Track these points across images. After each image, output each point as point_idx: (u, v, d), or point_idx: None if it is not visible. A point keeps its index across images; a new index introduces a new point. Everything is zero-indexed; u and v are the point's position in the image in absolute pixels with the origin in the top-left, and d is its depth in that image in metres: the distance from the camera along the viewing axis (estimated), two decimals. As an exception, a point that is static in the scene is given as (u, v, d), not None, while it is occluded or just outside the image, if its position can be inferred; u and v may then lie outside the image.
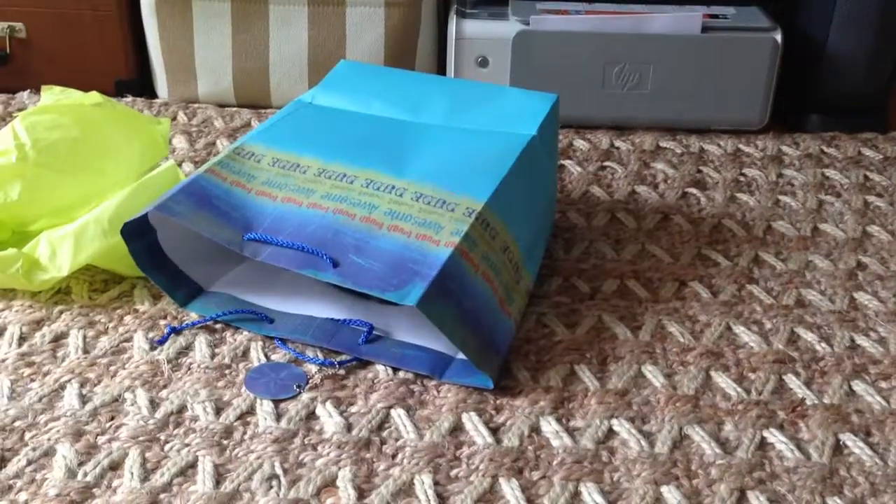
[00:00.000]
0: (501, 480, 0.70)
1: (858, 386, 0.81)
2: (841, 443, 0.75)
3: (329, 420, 0.75)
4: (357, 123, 0.95)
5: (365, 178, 0.86)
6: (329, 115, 0.97)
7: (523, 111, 0.94)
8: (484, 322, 0.80)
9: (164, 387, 0.78)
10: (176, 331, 0.84)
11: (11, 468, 0.70)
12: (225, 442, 0.73)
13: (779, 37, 1.24)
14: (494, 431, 0.75)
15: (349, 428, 0.75)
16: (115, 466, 0.70)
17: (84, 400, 0.77)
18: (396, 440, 0.74)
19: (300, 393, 0.78)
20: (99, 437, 0.73)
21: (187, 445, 0.72)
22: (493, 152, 0.89)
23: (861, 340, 0.87)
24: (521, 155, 0.88)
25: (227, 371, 0.81)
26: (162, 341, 0.83)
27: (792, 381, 0.81)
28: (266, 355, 0.83)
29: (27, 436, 0.73)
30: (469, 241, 0.80)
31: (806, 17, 1.31)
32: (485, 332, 0.80)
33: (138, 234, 0.85)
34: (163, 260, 0.88)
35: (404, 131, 0.93)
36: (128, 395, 0.77)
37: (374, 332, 0.84)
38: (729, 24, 1.25)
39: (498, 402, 0.78)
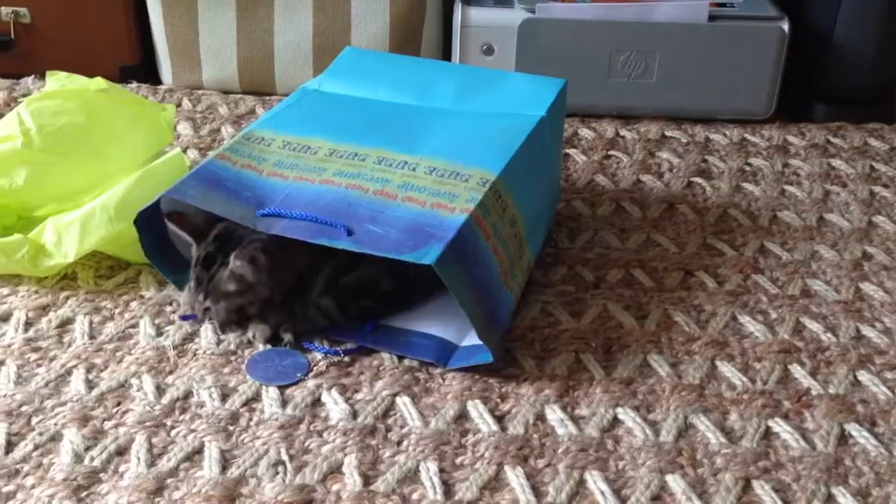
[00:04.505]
0: (507, 468, 0.70)
1: (864, 376, 0.81)
2: (846, 433, 0.75)
3: (335, 407, 0.75)
4: (365, 108, 0.95)
5: (377, 156, 0.86)
6: (336, 101, 0.97)
7: (532, 95, 0.94)
8: (489, 292, 0.80)
9: (170, 373, 0.79)
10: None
11: (18, 452, 0.70)
12: (231, 428, 0.73)
13: (786, 26, 1.24)
14: (500, 419, 0.75)
15: (355, 415, 0.75)
16: (122, 451, 0.70)
17: (90, 385, 0.77)
18: (402, 427, 0.74)
19: (298, 381, 0.78)
20: (105, 423, 0.73)
21: (193, 431, 0.72)
22: (502, 131, 0.89)
23: (866, 331, 0.87)
24: (530, 134, 0.89)
25: (232, 357, 0.81)
26: (187, 318, 0.84)
27: (797, 371, 0.81)
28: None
29: (34, 420, 0.73)
30: (483, 209, 0.80)
31: (813, 7, 1.30)
32: (489, 302, 0.80)
33: (149, 224, 0.85)
34: (172, 252, 0.87)
35: (413, 114, 0.93)
36: (134, 381, 0.77)
37: (379, 321, 0.84)
38: (736, 13, 1.25)
39: (503, 389, 0.78)
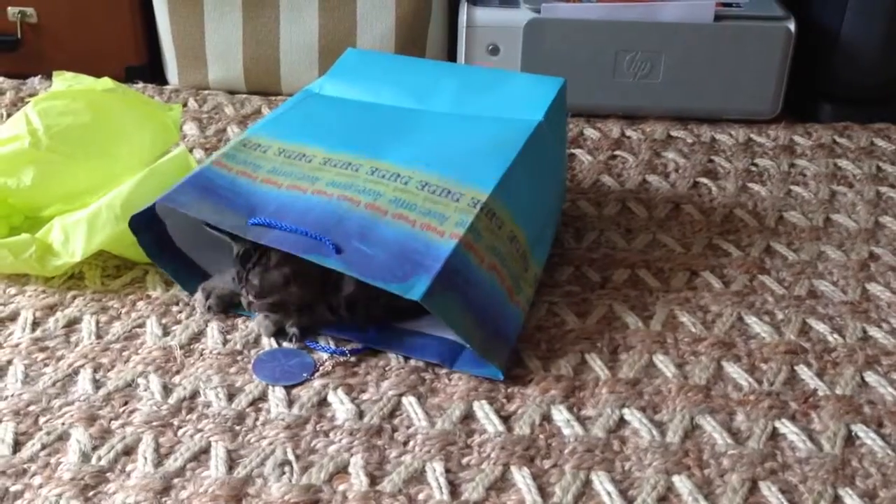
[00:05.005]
0: (513, 469, 0.70)
1: (871, 377, 0.81)
2: (853, 434, 0.75)
3: (341, 407, 0.75)
4: (363, 113, 0.95)
5: (370, 167, 0.85)
6: (335, 105, 0.97)
7: (530, 96, 0.94)
8: (491, 312, 0.80)
9: (177, 372, 0.79)
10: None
11: (26, 452, 0.70)
12: (237, 428, 0.73)
13: (792, 26, 1.23)
14: (506, 420, 0.75)
15: (361, 415, 0.75)
16: (129, 451, 0.71)
17: (97, 385, 0.77)
18: (408, 427, 0.74)
19: (304, 381, 0.78)
20: (112, 422, 0.73)
21: (200, 431, 0.73)
22: (499, 140, 0.88)
23: (873, 331, 0.87)
24: (527, 142, 0.88)
25: (238, 357, 0.81)
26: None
27: (804, 372, 0.81)
28: (278, 342, 0.83)
29: (41, 420, 0.73)
30: (474, 233, 0.79)
31: (819, 6, 1.30)
32: (492, 322, 0.80)
33: (147, 225, 0.85)
34: (173, 249, 0.88)
35: (410, 120, 0.93)
36: (141, 381, 0.78)
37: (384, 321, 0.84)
38: (742, 13, 1.25)
39: (509, 390, 0.78)
